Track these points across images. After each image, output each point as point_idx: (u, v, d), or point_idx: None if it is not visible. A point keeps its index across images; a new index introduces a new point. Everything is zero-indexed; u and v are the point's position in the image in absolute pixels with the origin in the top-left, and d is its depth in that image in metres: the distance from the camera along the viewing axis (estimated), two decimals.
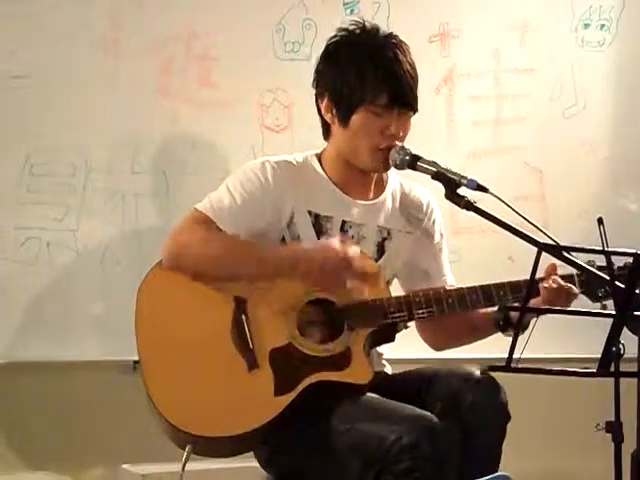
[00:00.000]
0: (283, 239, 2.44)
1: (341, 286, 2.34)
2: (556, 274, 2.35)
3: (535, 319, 2.25)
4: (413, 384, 2.39)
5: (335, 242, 2.34)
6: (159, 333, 2.34)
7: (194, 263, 2.36)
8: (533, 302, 2.30)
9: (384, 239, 2.51)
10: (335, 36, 2.46)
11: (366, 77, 2.36)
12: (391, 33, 2.45)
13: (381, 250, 2.50)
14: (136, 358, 2.35)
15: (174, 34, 3.11)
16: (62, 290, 3.04)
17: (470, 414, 2.24)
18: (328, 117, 2.45)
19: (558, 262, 2.21)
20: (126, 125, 3.08)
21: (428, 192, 2.57)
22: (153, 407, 2.28)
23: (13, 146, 3.01)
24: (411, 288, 2.55)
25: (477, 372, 2.31)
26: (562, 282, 2.34)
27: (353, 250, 2.34)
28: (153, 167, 3.11)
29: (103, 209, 3.07)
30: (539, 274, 2.23)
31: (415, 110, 2.42)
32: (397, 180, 2.57)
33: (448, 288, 2.48)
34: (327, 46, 2.47)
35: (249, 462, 2.51)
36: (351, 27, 2.45)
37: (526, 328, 2.19)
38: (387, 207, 2.52)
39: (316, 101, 2.48)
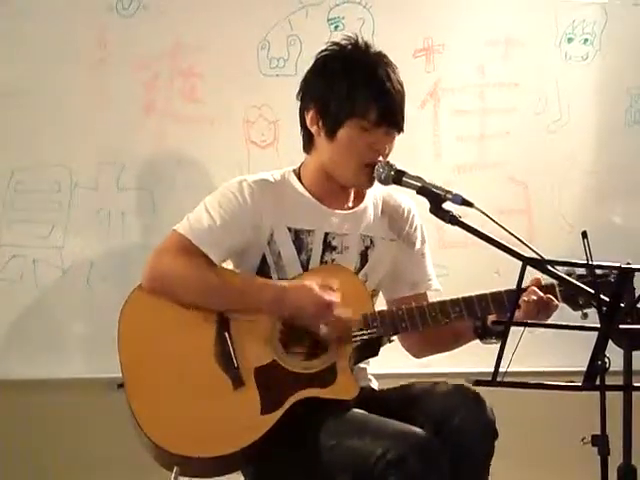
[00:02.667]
0: (264, 257, 2.44)
1: (315, 329, 2.34)
2: (540, 287, 2.36)
3: (521, 333, 2.24)
4: (400, 402, 2.38)
5: (315, 287, 2.33)
6: (142, 354, 2.34)
7: (172, 295, 2.35)
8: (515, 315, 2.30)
9: (367, 247, 2.51)
10: (326, 49, 2.47)
11: (357, 92, 2.37)
12: (381, 52, 2.46)
13: (364, 259, 2.50)
14: (120, 378, 2.33)
15: (159, 51, 3.12)
16: (48, 307, 3.04)
17: (458, 434, 2.23)
18: (314, 129, 2.45)
19: (543, 276, 2.22)
20: (111, 141, 3.09)
21: (408, 199, 2.57)
22: (139, 428, 2.27)
23: None
24: (395, 296, 2.56)
25: (464, 390, 2.30)
26: (541, 293, 2.34)
27: (332, 297, 2.34)
28: (139, 184, 3.11)
29: (89, 226, 3.07)
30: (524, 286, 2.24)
31: (401, 130, 2.43)
32: (377, 188, 2.56)
33: (431, 301, 2.48)
34: (317, 58, 2.48)
35: None
36: (343, 42, 2.46)
37: (502, 336, 2.18)
38: (368, 215, 2.53)
39: (300, 112, 2.48)
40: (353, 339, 2.36)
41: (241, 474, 2.45)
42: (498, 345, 1.99)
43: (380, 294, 2.60)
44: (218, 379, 2.30)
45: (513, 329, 2.14)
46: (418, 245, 2.59)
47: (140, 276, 2.40)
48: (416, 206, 2.54)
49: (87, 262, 3.06)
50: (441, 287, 2.59)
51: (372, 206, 2.54)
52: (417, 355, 2.64)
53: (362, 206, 2.52)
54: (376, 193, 2.56)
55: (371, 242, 2.51)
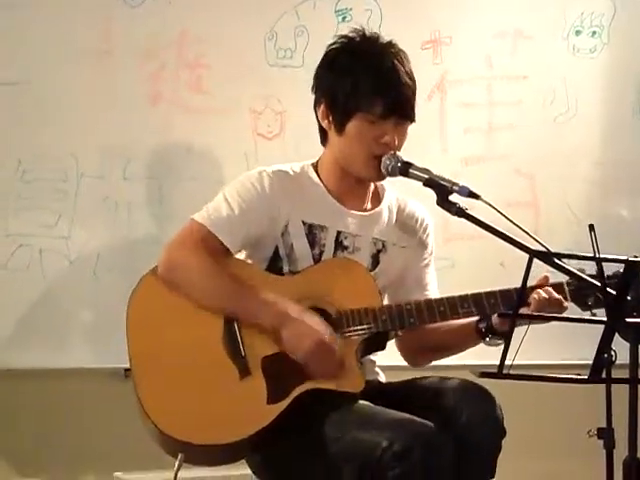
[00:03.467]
0: (277, 248, 2.44)
1: (312, 369, 2.31)
2: (548, 285, 2.35)
3: (527, 326, 2.25)
4: (407, 395, 2.38)
5: (323, 330, 2.30)
6: (150, 340, 2.34)
7: (184, 289, 2.35)
8: (523, 310, 2.29)
9: (379, 251, 2.50)
10: (335, 42, 2.46)
11: (362, 86, 2.36)
12: (390, 42, 2.44)
13: (375, 262, 2.50)
14: (127, 366, 2.35)
15: (165, 41, 3.11)
16: (54, 297, 3.04)
17: (465, 430, 2.23)
18: (325, 123, 2.45)
19: (549, 269, 2.21)
20: (118, 132, 3.08)
21: (423, 207, 2.57)
22: (145, 415, 2.27)
23: (5, 152, 3.01)
24: (396, 298, 2.53)
25: (473, 386, 2.30)
26: (554, 293, 2.34)
27: (335, 343, 2.31)
28: (145, 174, 3.10)
29: (95, 216, 3.06)
30: (530, 281, 2.24)
31: (412, 120, 2.42)
32: (394, 194, 2.57)
33: (439, 297, 2.47)
34: (327, 52, 2.47)
35: (242, 469, 2.50)
36: (351, 34, 2.45)
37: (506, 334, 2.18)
38: (383, 219, 2.52)
39: (314, 107, 2.48)
40: (362, 332, 2.36)
41: (246, 463, 2.45)
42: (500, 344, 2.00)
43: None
44: (225, 368, 2.30)
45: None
46: (428, 252, 2.59)
47: (147, 265, 2.40)
48: (423, 198, 2.52)
49: (94, 252, 3.05)
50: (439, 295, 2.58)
51: (387, 211, 2.54)
52: (415, 363, 2.63)
53: (378, 209, 2.52)
54: (392, 200, 2.56)
55: (383, 246, 2.51)
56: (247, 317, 2.34)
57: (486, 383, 2.27)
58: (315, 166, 2.51)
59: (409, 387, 2.42)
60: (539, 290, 2.33)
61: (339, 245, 2.46)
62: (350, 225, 2.47)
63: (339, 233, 2.46)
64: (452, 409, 2.25)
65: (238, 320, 2.34)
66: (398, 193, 2.57)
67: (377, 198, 2.54)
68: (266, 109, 3.18)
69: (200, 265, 2.35)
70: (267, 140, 3.19)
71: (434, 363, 2.67)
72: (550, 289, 2.34)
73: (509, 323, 2.02)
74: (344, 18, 3.21)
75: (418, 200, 2.58)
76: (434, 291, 2.59)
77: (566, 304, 2.35)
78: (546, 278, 2.36)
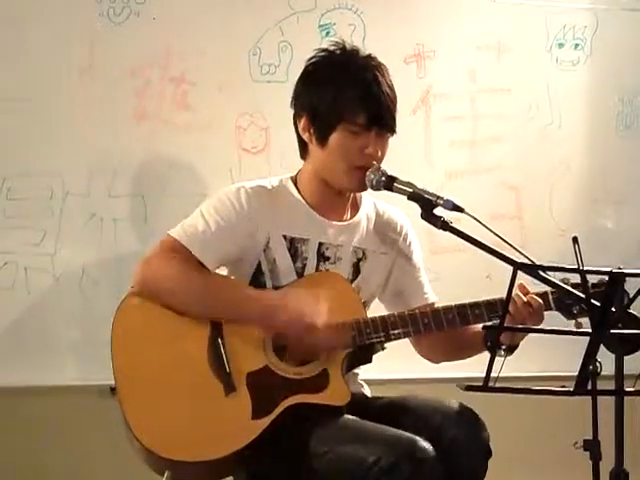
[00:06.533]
0: (259, 264, 2.44)
1: (300, 351, 2.33)
2: (532, 294, 2.36)
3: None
4: (393, 413, 2.36)
5: (306, 309, 2.32)
6: (135, 359, 2.33)
7: (162, 298, 2.35)
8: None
9: (359, 260, 2.51)
10: (315, 56, 2.47)
11: (345, 97, 2.37)
12: (370, 54, 2.46)
13: (357, 271, 2.50)
14: (113, 383, 2.33)
15: (150, 58, 3.11)
16: (40, 314, 3.03)
17: (451, 451, 2.22)
18: (306, 136, 2.45)
19: (534, 281, 2.22)
20: (103, 148, 3.08)
21: (402, 213, 2.58)
22: (130, 433, 2.27)
23: None
24: (394, 309, 2.54)
25: (458, 406, 2.31)
26: (524, 298, 2.34)
27: (321, 320, 2.33)
28: (130, 190, 3.10)
29: (81, 233, 3.06)
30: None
31: (393, 131, 2.43)
32: (371, 202, 2.58)
33: (424, 309, 2.48)
34: (307, 66, 2.48)
35: None
36: (331, 47, 2.46)
37: (514, 349, 2.18)
38: (362, 228, 2.53)
39: (294, 120, 2.49)
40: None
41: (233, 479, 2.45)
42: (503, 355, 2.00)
43: (372, 306, 2.59)
44: (210, 384, 2.30)
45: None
46: (415, 259, 2.60)
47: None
48: (408, 212, 2.53)
49: (79, 269, 3.05)
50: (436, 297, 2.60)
51: (365, 219, 2.54)
52: (431, 361, 2.64)
53: (356, 219, 2.53)
54: (370, 207, 2.57)
55: (363, 254, 2.51)
56: (233, 314, 2.34)
57: (472, 396, 2.27)
58: (294, 179, 2.51)
59: (396, 406, 2.41)
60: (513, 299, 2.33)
61: (321, 257, 2.46)
62: (331, 236, 2.47)
63: (321, 244, 2.46)
64: (438, 429, 2.25)
65: (224, 322, 2.34)
66: (375, 200, 2.57)
67: (355, 207, 2.55)
68: (251, 125, 3.18)
69: (177, 273, 2.35)
70: (252, 155, 3.19)
71: (423, 376, 2.67)
72: (522, 295, 2.34)
73: (496, 335, 2.02)
74: (328, 33, 3.22)
75: (404, 213, 2.59)
76: (431, 292, 2.60)
77: (541, 302, 2.34)
78: (522, 286, 2.35)
